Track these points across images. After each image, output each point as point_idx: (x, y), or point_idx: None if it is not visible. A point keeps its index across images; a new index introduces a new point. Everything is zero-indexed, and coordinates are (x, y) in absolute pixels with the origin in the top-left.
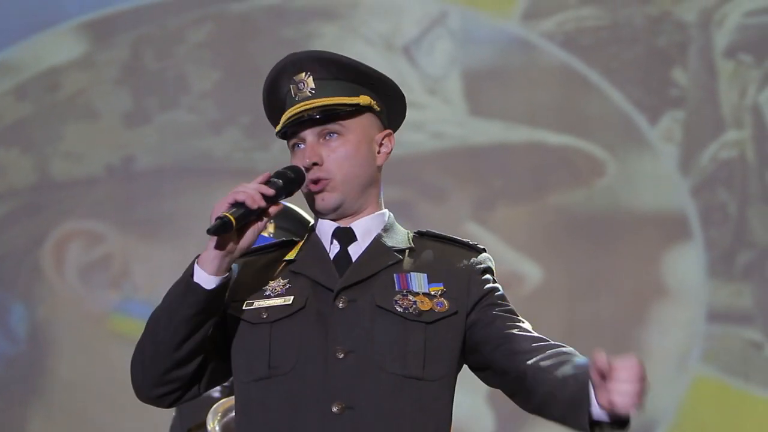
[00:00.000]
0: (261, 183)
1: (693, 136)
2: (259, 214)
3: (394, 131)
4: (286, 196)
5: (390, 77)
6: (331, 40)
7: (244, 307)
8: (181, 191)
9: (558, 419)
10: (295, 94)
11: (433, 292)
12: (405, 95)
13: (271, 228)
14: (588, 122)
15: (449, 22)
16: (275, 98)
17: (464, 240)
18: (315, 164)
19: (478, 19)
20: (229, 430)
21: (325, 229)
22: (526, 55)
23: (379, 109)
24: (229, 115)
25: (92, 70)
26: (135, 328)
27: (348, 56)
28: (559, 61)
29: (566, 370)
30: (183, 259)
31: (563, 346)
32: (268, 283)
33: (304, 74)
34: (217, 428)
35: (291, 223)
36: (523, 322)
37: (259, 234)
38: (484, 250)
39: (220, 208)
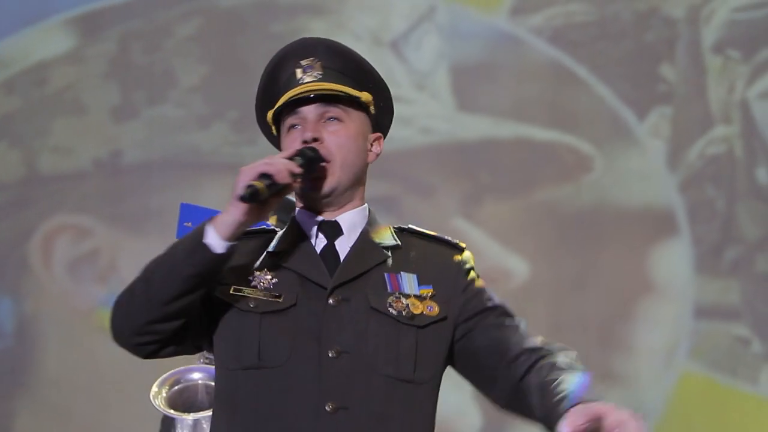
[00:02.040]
0: (287, 159)
1: (681, 132)
2: (280, 190)
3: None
4: (303, 177)
5: (388, 87)
6: (319, 35)
7: (231, 292)
8: (169, 185)
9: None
10: (300, 77)
11: (423, 294)
12: (394, 111)
13: (272, 220)
14: (576, 117)
15: (437, 17)
16: (275, 79)
17: (445, 237)
18: (316, 140)
19: (466, 14)
20: (173, 402)
21: (309, 221)
22: (514, 50)
23: (373, 112)
24: (217, 109)
25: (80, 65)
26: None
27: (358, 53)
28: (547, 56)
29: (554, 395)
30: None
31: (554, 355)
32: (254, 272)
33: (312, 59)
34: (163, 394)
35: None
36: (517, 324)
37: (274, 209)
38: (465, 248)
39: (247, 176)
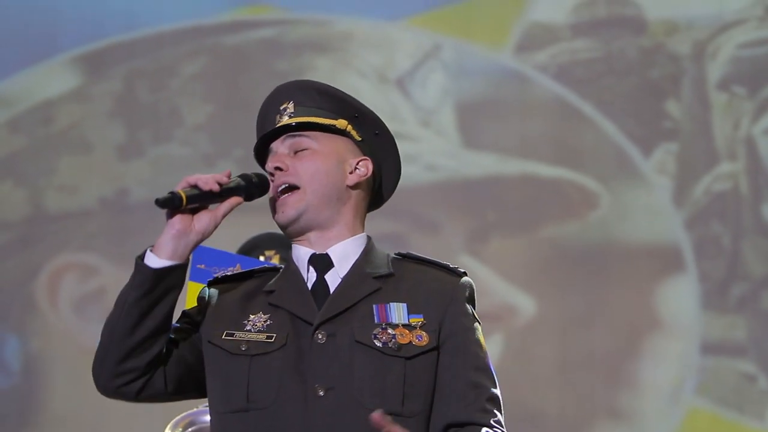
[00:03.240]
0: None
1: (686, 169)
2: (214, 199)
3: (390, 170)
4: (247, 199)
5: (377, 113)
6: (324, 73)
7: (223, 337)
8: None
9: None
10: (278, 120)
11: (413, 323)
12: (394, 135)
13: (276, 260)
14: (581, 154)
15: (442, 54)
16: (264, 131)
17: (444, 263)
18: (278, 169)
19: (471, 52)
20: None
21: (301, 255)
22: (519, 87)
23: (360, 138)
24: (223, 148)
25: (86, 103)
26: None
27: (334, 86)
28: (553, 93)
29: None
30: None
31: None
32: (248, 315)
33: (287, 102)
34: None
35: None
36: (477, 384)
37: (217, 222)
38: (464, 274)
39: (176, 187)
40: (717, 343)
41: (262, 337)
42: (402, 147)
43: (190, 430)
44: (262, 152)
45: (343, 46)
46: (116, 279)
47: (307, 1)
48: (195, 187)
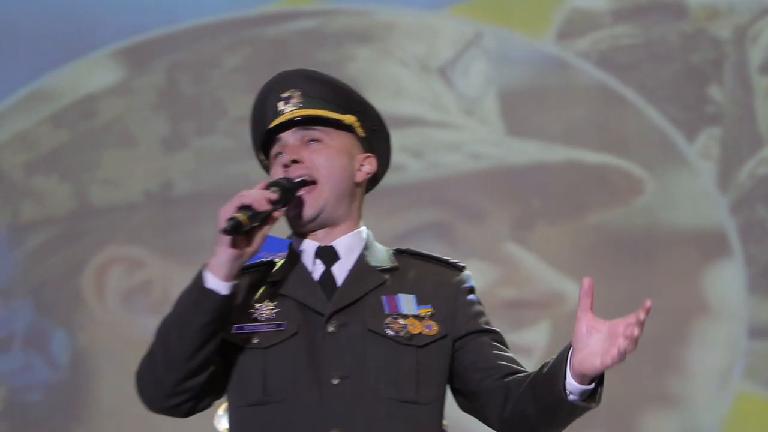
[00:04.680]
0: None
1: (730, 153)
2: (264, 218)
3: (383, 165)
4: (284, 205)
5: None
6: (366, 63)
7: (233, 331)
8: None
9: (532, 402)
10: (282, 108)
11: (422, 314)
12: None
13: None
14: (625, 140)
15: (484, 42)
16: (261, 116)
17: (444, 258)
18: (295, 162)
19: (512, 39)
20: None
21: (306, 248)
22: (561, 74)
23: (363, 134)
24: None
25: (129, 97)
26: None
27: (338, 78)
28: (595, 79)
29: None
30: None
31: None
32: (255, 306)
33: (292, 90)
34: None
35: None
36: (509, 352)
37: (264, 239)
38: (464, 268)
39: (227, 212)
40: (765, 326)
41: (271, 326)
42: (445, 136)
43: None
44: (260, 132)
45: (384, 35)
46: (162, 271)
47: None
48: (249, 208)
